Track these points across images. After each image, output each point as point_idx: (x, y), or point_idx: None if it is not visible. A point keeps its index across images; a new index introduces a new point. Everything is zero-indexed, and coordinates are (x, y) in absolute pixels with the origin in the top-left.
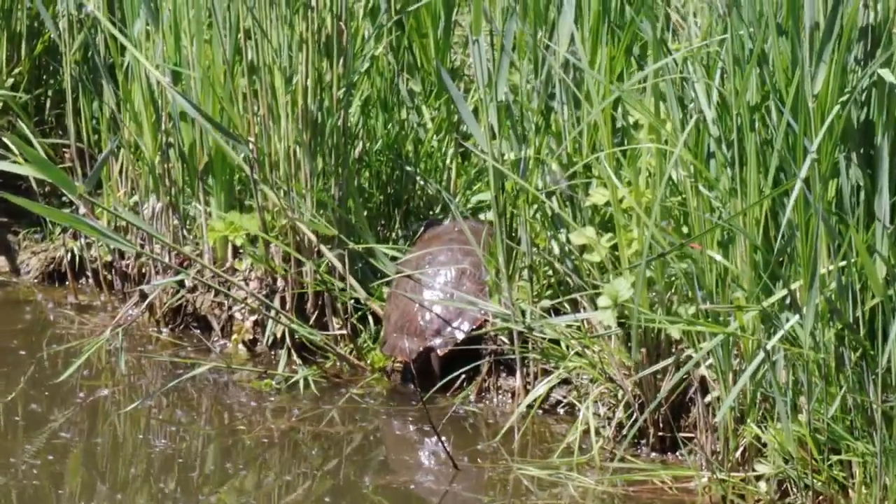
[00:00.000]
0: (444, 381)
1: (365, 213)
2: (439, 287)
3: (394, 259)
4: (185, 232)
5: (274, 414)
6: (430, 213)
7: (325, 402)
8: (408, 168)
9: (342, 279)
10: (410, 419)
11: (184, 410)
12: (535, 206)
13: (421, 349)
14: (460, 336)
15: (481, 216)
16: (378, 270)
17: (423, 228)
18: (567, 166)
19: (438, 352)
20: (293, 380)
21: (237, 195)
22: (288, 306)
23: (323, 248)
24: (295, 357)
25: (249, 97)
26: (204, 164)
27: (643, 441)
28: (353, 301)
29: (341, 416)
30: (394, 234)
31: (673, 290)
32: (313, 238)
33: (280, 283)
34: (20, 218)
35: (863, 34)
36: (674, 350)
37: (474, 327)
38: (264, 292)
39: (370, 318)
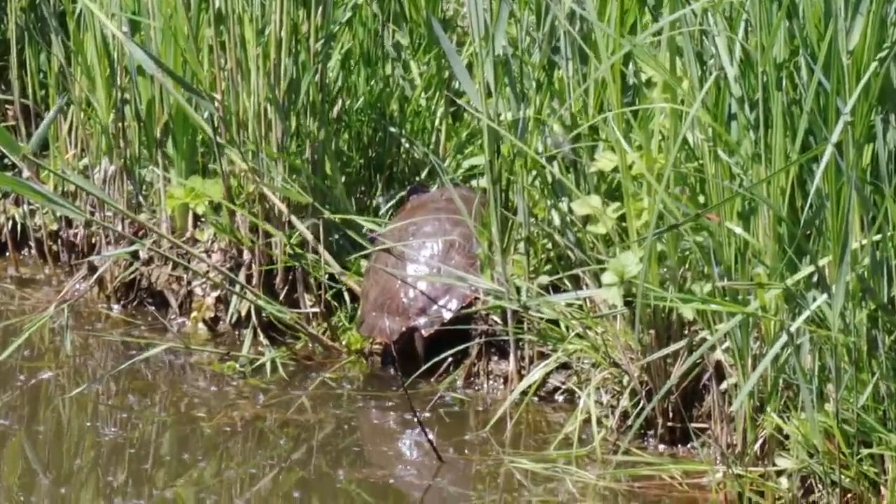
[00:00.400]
0: (429, 364)
1: (343, 178)
2: (424, 260)
3: (373, 231)
4: (140, 198)
5: (237, 400)
6: (416, 179)
7: (295, 387)
8: (392, 129)
9: (315, 252)
10: (390, 406)
11: (136, 395)
12: (535, 172)
13: (403, 329)
14: (448, 315)
15: (473, 183)
16: (357, 243)
17: (407, 194)
18: (571, 128)
19: (423, 332)
20: (259, 362)
21: (200, 158)
22: (254, 281)
23: (294, 218)
24: (261, 337)
25: (216, 50)
26: (163, 123)
27: (650, 432)
28: (327, 277)
29: (313, 403)
30: (375, 203)
31: (686, 266)
32: (284, 209)
33: (246, 255)
34: None
35: None
36: (686, 332)
37: (463, 305)
38: (228, 265)
39: (346, 295)
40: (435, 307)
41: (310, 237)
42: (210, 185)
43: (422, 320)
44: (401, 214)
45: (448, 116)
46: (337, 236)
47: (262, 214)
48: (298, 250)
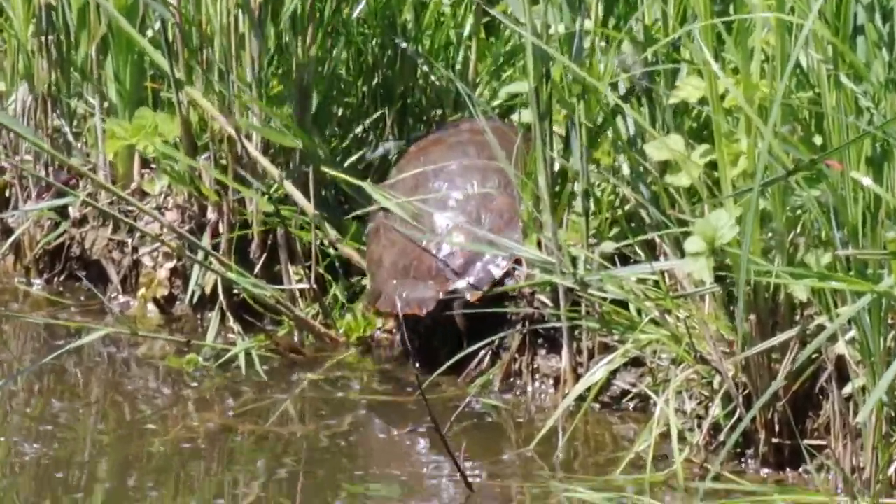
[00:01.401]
0: (456, 358)
1: (339, 112)
2: (457, 206)
3: (381, 180)
4: (70, 137)
5: (199, 406)
6: (437, 113)
7: (276, 388)
8: (405, 46)
9: (303, 213)
10: (403, 415)
11: (65, 399)
12: (596, 104)
13: (440, 296)
14: (497, 272)
15: (514, 118)
16: (354, 200)
17: (407, 145)
18: (644, 45)
19: (468, 297)
20: (229, 355)
21: (149, 84)
22: (222, 248)
23: (268, 165)
24: (232, 322)
25: None
26: (100, 38)
27: (749, 451)
28: (318, 243)
29: (300, 411)
30: (382, 149)
31: (799, 230)
32: (259, 157)
33: (211, 214)
34: None
35: None
36: (798, 318)
37: (513, 264)
38: (187, 227)
39: (340, 268)
40: (480, 264)
41: (295, 194)
42: (163, 119)
43: (463, 282)
44: (409, 156)
45: (480, 29)
46: (331, 191)
47: (232, 159)
48: (281, 209)
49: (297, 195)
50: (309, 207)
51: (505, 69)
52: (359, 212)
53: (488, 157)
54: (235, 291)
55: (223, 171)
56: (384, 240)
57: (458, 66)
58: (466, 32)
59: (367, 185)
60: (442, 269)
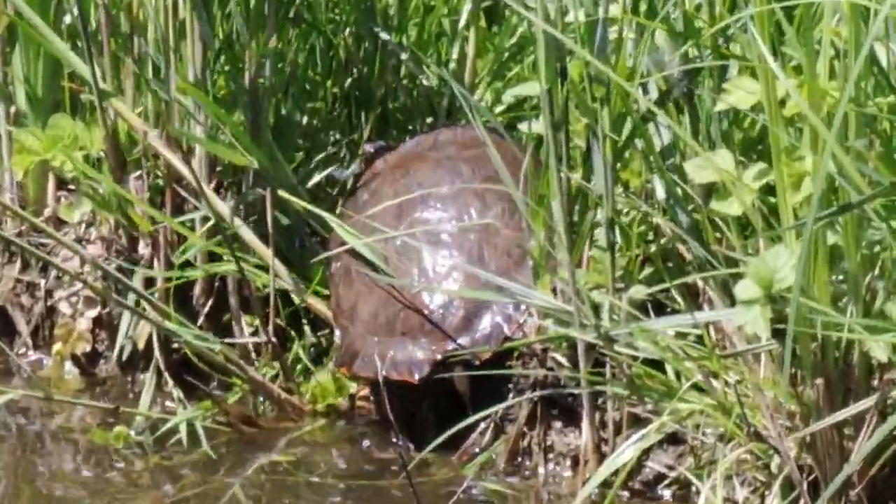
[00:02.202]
0: (450, 432)
1: (304, 120)
2: (451, 242)
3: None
4: None
5: (130, 493)
6: (425, 121)
7: (226, 470)
8: (384, 36)
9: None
10: (385, 503)
11: None
12: (623, 111)
13: (437, 357)
14: (508, 328)
15: (523, 129)
16: (321, 231)
17: (371, 154)
18: (683, 37)
19: (480, 356)
20: (167, 427)
21: (66, 84)
22: (159, 291)
23: (212, 198)
24: (171, 386)
25: None
26: (4, 26)
27: None
28: (279, 290)
29: (255, 498)
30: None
31: (877, 271)
32: (194, 181)
33: (144, 248)
34: None
35: None
36: (876, 383)
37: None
38: (115, 265)
39: (305, 318)
40: (486, 317)
41: (249, 237)
42: (84, 130)
43: (466, 340)
44: (384, 175)
45: (480, 15)
46: (297, 220)
47: (169, 179)
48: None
49: (250, 237)
50: (264, 251)
51: (510, 66)
52: (325, 254)
53: (487, 179)
54: (175, 346)
55: (159, 193)
56: (358, 284)
57: (452, 63)
58: (463, 21)
59: (333, 221)
60: (438, 323)
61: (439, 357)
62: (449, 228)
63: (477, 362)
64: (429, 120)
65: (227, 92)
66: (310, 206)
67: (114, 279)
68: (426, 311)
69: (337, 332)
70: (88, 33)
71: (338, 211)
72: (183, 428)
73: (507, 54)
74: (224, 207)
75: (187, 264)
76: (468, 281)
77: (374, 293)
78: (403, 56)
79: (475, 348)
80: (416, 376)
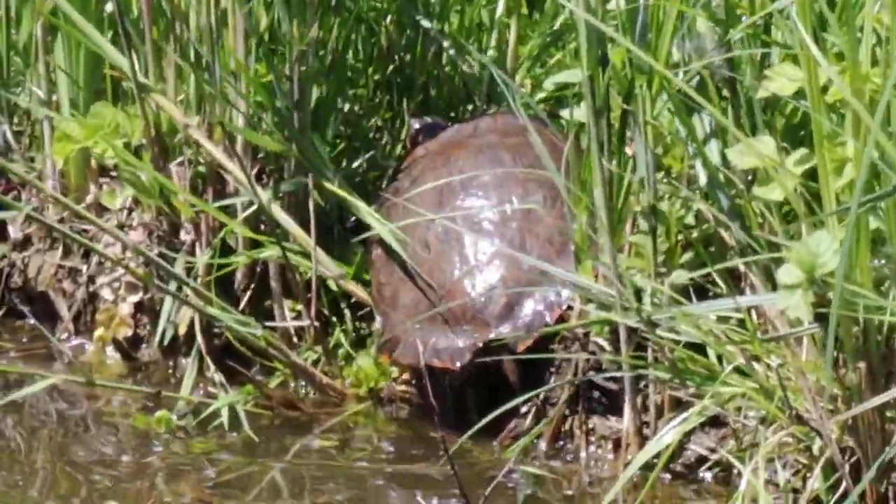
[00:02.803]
0: (492, 416)
1: (346, 107)
2: (493, 229)
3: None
4: (9, 137)
5: (170, 477)
6: (466, 108)
7: (267, 454)
8: (426, 24)
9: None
10: (427, 488)
11: (1, 468)
12: (665, 98)
13: (479, 345)
14: (550, 316)
15: (564, 115)
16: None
17: (414, 135)
18: (725, 24)
19: (519, 345)
20: (209, 411)
21: (108, 72)
22: (200, 277)
23: (238, 181)
24: (212, 371)
25: None
26: (48, 11)
27: None
28: (319, 275)
29: (296, 482)
30: (399, 150)
31: None
32: (238, 171)
33: (186, 235)
34: None
35: None
36: None
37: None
38: (156, 250)
39: (345, 303)
40: (529, 304)
41: (289, 224)
42: (126, 118)
43: (508, 328)
44: (424, 162)
45: (521, 3)
46: (338, 206)
47: (211, 167)
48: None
49: (290, 224)
50: (305, 238)
51: (551, 52)
52: (365, 235)
53: (528, 166)
54: (217, 331)
55: (201, 179)
56: (399, 271)
57: (492, 50)
58: (500, 9)
59: (366, 211)
60: (480, 311)
61: (480, 345)
62: (490, 216)
63: (520, 349)
64: (469, 107)
65: (268, 81)
66: (352, 198)
67: (155, 265)
68: (468, 299)
69: (378, 319)
70: (125, 22)
71: (378, 197)
72: (225, 412)
73: (547, 39)
74: (264, 195)
75: (229, 250)
76: (511, 267)
77: (414, 280)
78: (445, 44)
79: (516, 335)
80: (458, 364)
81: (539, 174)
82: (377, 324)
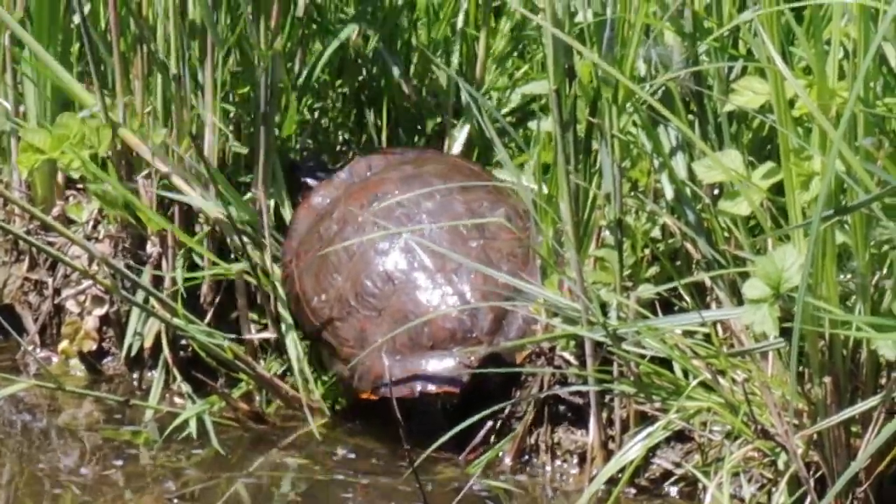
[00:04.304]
0: (457, 430)
1: (315, 117)
2: (456, 251)
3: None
4: None
5: (135, 488)
6: (435, 120)
7: (232, 465)
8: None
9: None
10: (391, 501)
11: None
12: (631, 109)
13: (476, 364)
14: (534, 324)
15: (532, 126)
16: None
17: (303, 178)
18: (692, 37)
19: (517, 357)
20: (177, 421)
21: (76, 75)
22: (166, 289)
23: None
24: (178, 383)
25: None
26: (17, 22)
27: None
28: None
29: (260, 495)
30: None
31: (886, 270)
32: (197, 203)
33: (152, 247)
34: None
35: None
36: (884, 381)
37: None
38: (123, 262)
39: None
40: (515, 315)
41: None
42: (93, 128)
43: (501, 340)
44: (341, 204)
45: (485, 13)
46: None
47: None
48: (237, 242)
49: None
50: (261, 256)
51: (518, 64)
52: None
53: (461, 189)
54: (183, 343)
55: (167, 190)
56: (362, 311)
57: (462, 64)
58: (460, 23)
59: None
60: (469, 330)
61: (476, 363)
62: (448, 237)
63: (520, 361)
64: (438, 120)
65: (243, 92)
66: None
67: (123, 276)
68: (452, 319)
69: (338, 369)
70: (92, 33)
71: (280, 251)
72: (193, 422)
73: (507, 50)
74: (216, 211)
75: (195, 263)
76: (485, 283)
77: (385, 314)
78: (412, 55)
79: (513, 347)
80: (458, 387)
81: (473, 192)
82: (343, 371)
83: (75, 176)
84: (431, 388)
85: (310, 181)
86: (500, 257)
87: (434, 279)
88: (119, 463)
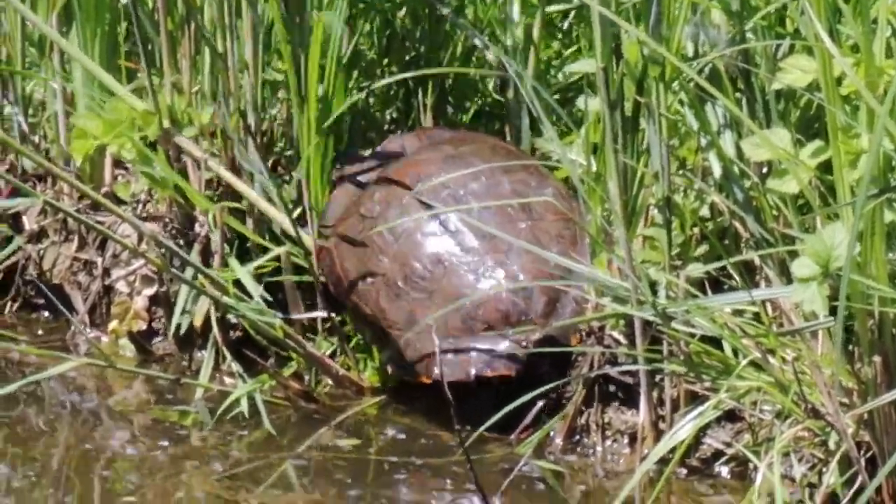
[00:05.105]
0: (508, 409)
1: (359, 97)
2: (505, 232)
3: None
4: (24, 127)
5: (186, 468)
6: (484, 98)
7: (281, 445)
8: (444, 11)
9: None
10: (442, 481)
11: (16, 462)
12: (679, 88)
13: (531, 346)
14: (585, 308)
15: (579, 103)
16: None
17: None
18: (739, 16)
19: (571, 339)
20: (229, 400)
21: (123, 63)
22: (216, 265)
23: (268, 209)
24: (228, 361)
25: None
26: (63, 3)
27: None
28: None
29: (309, 474)
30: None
31: None
32: (250, 196)
33: (201, 226)
34: None
35: None
36: None
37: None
38: (172, 241)
39: None
40: (567, 298)
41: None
42: (142, 112)
43: (556, 321)
44: (378, 190)
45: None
46: None
47: (227, 162)
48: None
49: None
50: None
51: (566, 44)
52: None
53: (503, 168)
54: (233, 322)
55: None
56: (412, 293)
57: (511, 41)
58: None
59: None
60: (524, 312)
61: (531, 345)
62: (496, 219)
63: (574, 343)
64: (487, 99)
65: (282, 65)
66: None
67: (173, 253)
68: (504, 301)
69: (388, 352)
70: (137, 16)
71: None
72: (244, 402)
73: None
74: (285, 221)
75: (243, 240)
76: (535, 264)
77: (436, 296)
78: (460, 33)
79: (567, 327)
80: (514, 369)
81: (517, 172)
82: (390, 353)
83: (127, 160)
84: (487, 371)
85: (341, 163)
86: (549, 238)
87: (485, 261)
88: (165, 444)
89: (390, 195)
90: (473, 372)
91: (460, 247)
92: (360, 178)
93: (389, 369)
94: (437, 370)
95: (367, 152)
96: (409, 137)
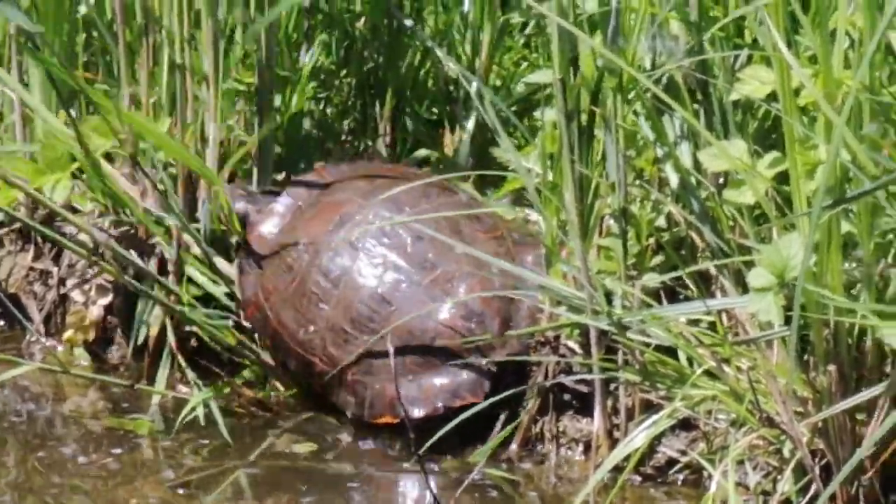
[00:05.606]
0: (461, 418)
1: (318, 109)
2: (442, 260)
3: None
4: None
5: (137, 477)
6: (444, 108)
7: (235, 454)
8: (408, 22)
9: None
10: (395, 490)
11: None
12: (635, 99)
13: (494, 369)
14: (538, 315)
15: (536, 116)
16: None
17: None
18: (697, 26)
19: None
20: (187, 408)
21: (81, 74)
22: (171, 277)
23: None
24: (184, 367)
25: None
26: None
27: None
28: None
29: (263, 483)
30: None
31: (891, 259)
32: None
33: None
34: None
35: None
36: (889, 369)
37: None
38: (127, 249)
39: None
40: (521, 311)
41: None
42: (98, 125)
43: (513, 340)
44: (297, 229)
45: (494, 7)
46: None
47: (182, 173)
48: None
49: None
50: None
51: (525, 54)
52: None
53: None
54: (188, 330)
55: (172, 180)
56: (362, 336)
57: (468, 53)
58: (473, 8)
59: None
60: (479, 336)
61: (495, 369)
62: (432, 247)
63: (532, 351)
64: (447, 108)
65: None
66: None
67: (129, 262)
68: (462, 329)
69: (342, 397)
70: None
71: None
72: (200, 409)
73: (520, 43)
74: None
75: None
76: (481, 284)
77: (388, 336)
78: (420, 44)
79: (522, 342)
80: (481, 395)
81: (435, 198)
82: (344, 398)
83: (60, 200)
84: (455, 401)
85: (239, 208)
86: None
87: (431, 292)
88: (119, 451)
89: (317, 241)
90: (441, 405)
91: (403, 282)
92: (272, 226)
93: (349, 414)
94: (401, 409)
95: (272, 197)
96: (311, 177)
